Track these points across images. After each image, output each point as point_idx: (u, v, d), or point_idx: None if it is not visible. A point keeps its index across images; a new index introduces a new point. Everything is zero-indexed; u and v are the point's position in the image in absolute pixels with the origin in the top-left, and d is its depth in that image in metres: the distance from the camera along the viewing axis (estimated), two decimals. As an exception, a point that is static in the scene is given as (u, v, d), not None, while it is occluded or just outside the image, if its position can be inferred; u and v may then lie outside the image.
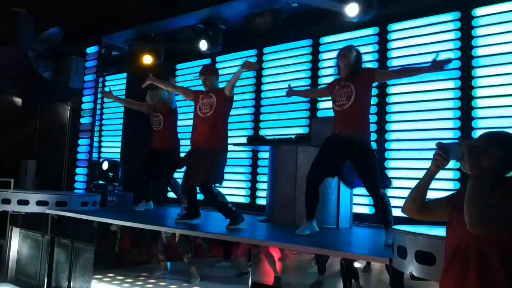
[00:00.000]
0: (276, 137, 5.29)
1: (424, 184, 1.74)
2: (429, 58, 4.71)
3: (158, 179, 5.41)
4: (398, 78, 4.17)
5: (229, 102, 4.30)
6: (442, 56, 3.48)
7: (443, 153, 1.64)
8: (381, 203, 3.42)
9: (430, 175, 1.72)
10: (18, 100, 4.97)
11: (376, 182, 3.43)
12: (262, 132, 6.02)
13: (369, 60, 5.19)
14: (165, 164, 5.17)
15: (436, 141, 1.70)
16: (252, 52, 6.39)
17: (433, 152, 1.69)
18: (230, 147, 4.34)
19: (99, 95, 7.24)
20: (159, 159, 5.20)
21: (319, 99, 5.59)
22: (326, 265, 4.08)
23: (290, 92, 4.26)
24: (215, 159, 4.07)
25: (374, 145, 4.99)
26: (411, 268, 2.52)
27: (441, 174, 4.64)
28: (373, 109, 5.08)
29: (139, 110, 5.58)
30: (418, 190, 1.75)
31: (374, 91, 4.93)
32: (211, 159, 4.05)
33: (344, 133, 3.53)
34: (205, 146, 4.11)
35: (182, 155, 5.21)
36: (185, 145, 5.36)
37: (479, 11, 4.53)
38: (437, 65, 3.27)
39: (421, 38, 4.86)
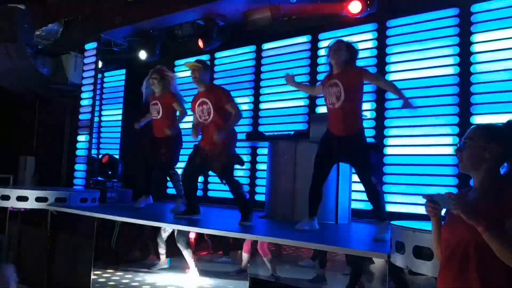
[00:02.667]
0: (275, 133, 5.30)
1: (436, 237, 1.75)
2: (428, 54, 4.77)
3: (157, 167, 5.24)
4: (383, 87, 4.12)
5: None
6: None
7: (433, 204, 1.64)
8: (374, 191, 3.47)
9: (436, 228, 1.73)
10: None
11: (368, 171, 3.50)
12: (261, 128, 6.03)
13: (368, 56, 5.20)
14: (165, 152, 4.97)
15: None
16: (251, 48, 6.39)
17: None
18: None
19: (98, 92, 7.22)
20: (158, 148, 5.00)
21: (318, 95, 5.60)
22: (326, 259, 4.10)
23: (290, 79, 4.09)
24: (228, 153, 4.13)
25: (373, 141, 5.02)
26: (409, 263, 2.54)
27: (441, 170, 4.63)
28: (372, 105, 5.09)
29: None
30: (436, 245, 1.76)
31: (374, 87, 4.95)
32: (225, 150, 4.10)
33: (338, 132, 3.59)
34: (215, 147, 4.09)
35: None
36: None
37: (478, 7, 4.53)
38: (407, 106, 3.57)
39: (420, 34, 4.86)
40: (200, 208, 4.39)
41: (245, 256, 4.81)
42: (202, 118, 4.20)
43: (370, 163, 3.56)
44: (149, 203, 5.23)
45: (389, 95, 5.03)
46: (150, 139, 5.15)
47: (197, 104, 4.25)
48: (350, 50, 3.67)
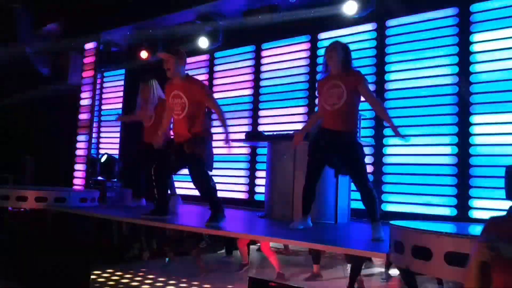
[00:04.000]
0: (275, 133, 5.31)
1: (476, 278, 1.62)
2: (427, 54, 4.77)
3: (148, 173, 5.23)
4: (372, 106, 3.84)
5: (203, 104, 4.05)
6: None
7: (494, 253, 1.51)
8: (369, 196, 3.44)
9: (479, 270, 1.59)
10: None
11: (364, 175, 3.48)
12: (261, 128, 6.03)
13: (367, 56, 5.20)
14: (156, 159, 5.00)
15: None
16: (251, 48, 6.39)
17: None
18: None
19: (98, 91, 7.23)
20: (149, 154, 5.06)
21: (317, 95, 5.61)
22: (321, 256, 4.09)
23: (297, 139, 3.93)
24: (201, 144, 3.91)
25: (372, 141, 5.03)
26: (408, 263, 2.54)
27: (440, 170, 4.57)
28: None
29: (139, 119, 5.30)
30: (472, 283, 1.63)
31: (372, 87, 4.95)
32: (198, 145, 3.90)
33: (332, 129, 3.57)
34: (188, 141, 3.93)
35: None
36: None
37: (477, 6, 4.53)
38: (397, 135, 3.49)
39: (419, 33, 4.87)
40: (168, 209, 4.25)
41: (243, 250, 4.80)
42: (175, 111, 3.99)
43: (364, 163, 3.53)
44: (141, 205, 5.16)
45: (389, 95, 5.04)
46: (142, 146, 5.13)
47: (171, 96, 4.03)
48: (345, 50, 3.67)
